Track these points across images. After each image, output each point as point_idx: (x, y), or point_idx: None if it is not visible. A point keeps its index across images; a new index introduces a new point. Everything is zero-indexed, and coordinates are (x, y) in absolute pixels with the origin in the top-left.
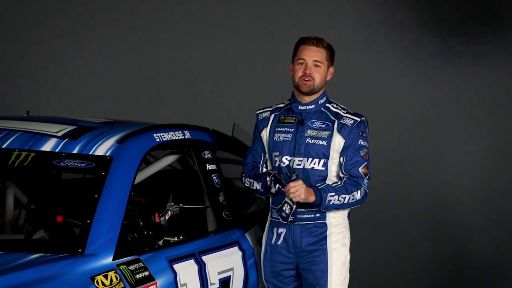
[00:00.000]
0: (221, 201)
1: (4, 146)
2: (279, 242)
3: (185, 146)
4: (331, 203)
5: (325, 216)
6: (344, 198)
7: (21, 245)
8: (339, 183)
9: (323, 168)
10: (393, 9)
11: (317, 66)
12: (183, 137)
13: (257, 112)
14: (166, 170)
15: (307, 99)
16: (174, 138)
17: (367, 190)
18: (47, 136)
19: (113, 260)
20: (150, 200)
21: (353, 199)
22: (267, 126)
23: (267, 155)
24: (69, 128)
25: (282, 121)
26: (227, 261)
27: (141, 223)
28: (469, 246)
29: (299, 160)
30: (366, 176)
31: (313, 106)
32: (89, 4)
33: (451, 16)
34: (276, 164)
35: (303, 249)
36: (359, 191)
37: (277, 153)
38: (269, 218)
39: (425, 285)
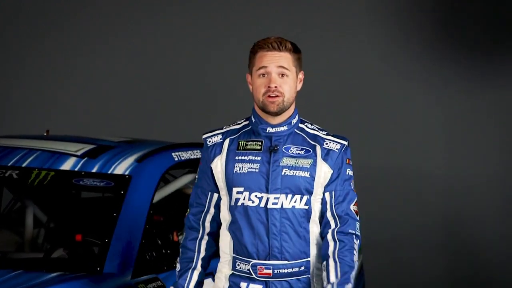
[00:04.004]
0: None
1: (24, 165)
2: None
3: None
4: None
5: (309, 270)
6: (353, 271)
7: (40, 264)
8: (334, 263)
9: (306, 207)
10: (408, 18)
11: (283, 75)
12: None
13: (204, 136)
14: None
15: (277, 119)
16: (192, 157)
17: (358, 233)
18: (66, 155)
19: (131, 278)
20: (168, 219)
21: (355, 262)
22: (220, 154)
23: (222, 191)
24: (89, 147)
25: (244, 147)
26: None
27: (159, 242)
28: (484, 257)
29: (275, 198)
30: (357, 216)
31: (285, 127)
32: (108, 26)
33: (467, 30)
34: (239, 203)
35: None
36: (354, 251)
37: (241, 189)
38: (229, 270)
39: None
